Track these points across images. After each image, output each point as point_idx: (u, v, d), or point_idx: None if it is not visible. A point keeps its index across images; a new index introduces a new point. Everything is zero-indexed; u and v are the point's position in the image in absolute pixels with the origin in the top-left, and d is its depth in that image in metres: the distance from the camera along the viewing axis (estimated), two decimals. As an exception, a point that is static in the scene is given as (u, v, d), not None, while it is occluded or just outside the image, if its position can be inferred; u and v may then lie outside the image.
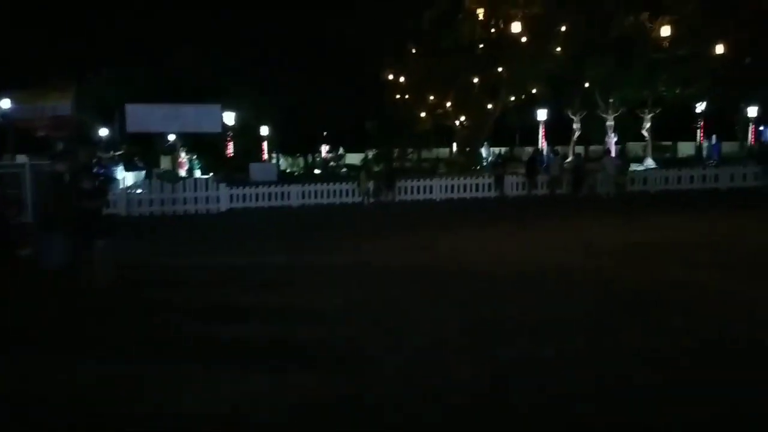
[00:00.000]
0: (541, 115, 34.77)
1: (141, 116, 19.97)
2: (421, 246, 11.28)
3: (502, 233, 12.68)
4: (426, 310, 6.91)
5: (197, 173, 35.61)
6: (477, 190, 20.60)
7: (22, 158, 20.44)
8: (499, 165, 20.02)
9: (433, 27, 31.84)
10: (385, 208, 18.53)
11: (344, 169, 47.91)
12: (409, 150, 46.71)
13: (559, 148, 35.53)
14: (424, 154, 47.44)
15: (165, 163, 43.23)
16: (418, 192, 20.57)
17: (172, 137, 43.26)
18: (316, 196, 20.31)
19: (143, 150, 32.54)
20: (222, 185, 19.99)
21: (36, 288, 8.34)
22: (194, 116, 20.03)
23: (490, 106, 36.82)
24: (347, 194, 20.40)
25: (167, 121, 19.79)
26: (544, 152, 35.87)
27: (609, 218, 14.67)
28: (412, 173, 26.47)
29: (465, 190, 20.58)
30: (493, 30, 32.49)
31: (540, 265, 9.06)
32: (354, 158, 55.41)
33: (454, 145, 44.91)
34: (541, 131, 34.84)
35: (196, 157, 33.87)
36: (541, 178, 20.56)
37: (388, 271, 9.10)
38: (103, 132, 31.31)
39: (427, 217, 16.35)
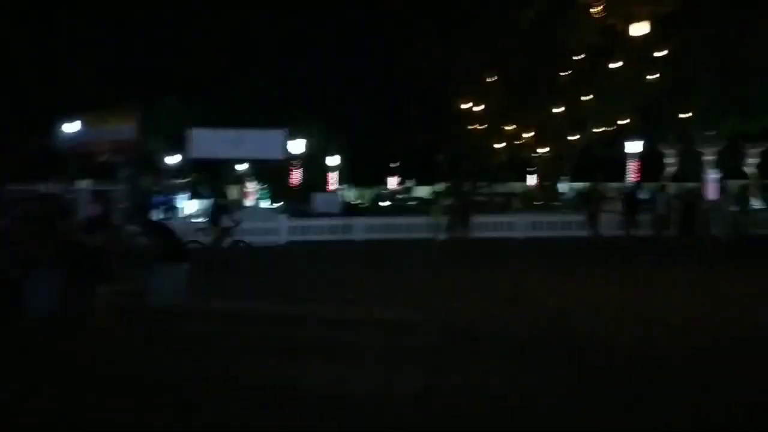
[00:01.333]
0: (632, 147, 31.70)
1: (205, 141, 18.86)
2: (514, 299, 8.98)
3: (615, 284, 10.17)
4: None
5: (264, 204, 34.84)
6: (565, 228, 18.03)
7: (83, 183, 19.73)
8: (594, 201, 17.41)
9: (532, 27, 29.27)
10: (460, 245, 16.30)
11: (413, 202, 46.18)
12: (482, 183, 44.35)
13: (662, 185, 32.21)
14: (497, 188, 44.88)
15: (233, 192, 42.97)
16: (497, 229, 18.24)
17: (242, 167, 43.18)
18: (382, 231, 18.41)
19: (210, 178, 31.95)
20: (282, 216, 18.53)
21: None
22: (257, 142, 18.71)
23: (573, 137, 34.08)
24: (417, 229, 18.38)
25: (230, 146, 18.55)
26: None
27: (740, 267, 11.86)
28: (485, 208, 24.23)
29: (551, 228, 18.07)
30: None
31: (700, 336, 6.64)
32: (423, 191, 53.63)
33: (530, 178, 42.17)
34: (632, 165, 31.68)
35: (264, 187, 33.05)
36: (642, 217, 17.73)
37: (475, 336, 6.90)
38: (172, 159, 31.00)
39: (512, 260, 14.00)
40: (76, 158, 21.35)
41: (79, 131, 21.25)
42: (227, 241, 14.43)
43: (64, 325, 6.40)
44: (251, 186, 41.48)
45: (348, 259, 14.78)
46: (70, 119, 21.37)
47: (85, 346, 6.16)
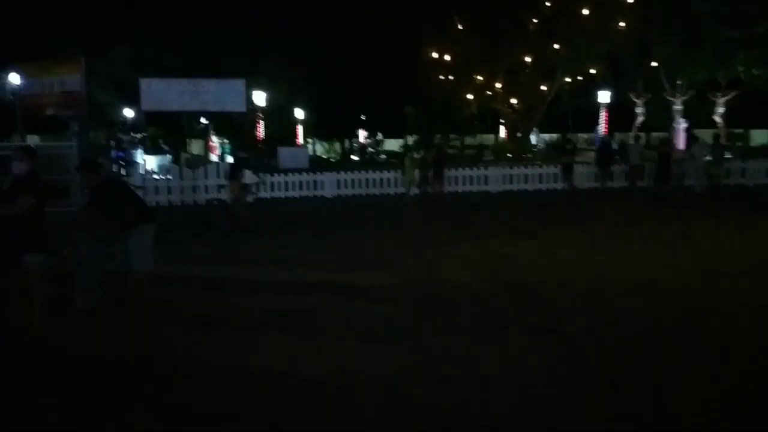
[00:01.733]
0: (603, 97, 31.27)
1: (157, 93, 17.65)
2: (489, 259, 8.51)
3: (594, 241, 9.79)
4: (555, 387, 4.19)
5: (229, 159, 33.52)
6: (541, 181, 17.66)
7: (33, 139, 18.40)
8: (569, 152, 16.97)
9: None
10: (434, 201, 15.79)
11: (383, 156, 45.28)
12: (452, 136, 43.71)
13: (635, 134, 32.22)
14: (468, 140, 44.33)
15: (196, 147, 41.33)
16: (471, 183, 17.76)
17: (204, 121, 41.39)
18: (353, 186, 17.73)
19: (171, 133, 30.45)
20: (247, 173, 17.53)
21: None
22: (216, 93, 17.61)
23: (543, 87, 33.55)
24: (389, 184, 17.77)
25: (186, 97, 17.42)
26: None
27: (718, 219, 11.67)
28: (457, 161, 23.69)
29: (526, 181, 17.68)
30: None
31: (701, 296, 6.27)
32: (393, 144, 52.65)
33: (501, 130, 41.70)
34: (603, 115, 31.37)
35: (228, 142, 31.73)
36: (616, 168, 17.47)
37: (459, 301, 6.41)
38: (128, 113, 29.32)
39: (489, 214, 13.55)
40: (22, 111, 19.88)
41: (23, 82, 19.74)
42: (248, 198, 13.14)
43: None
44: (216, 140, 39.94)
45: (316, 216, 14.09)
46: (11, 69, 19.80)
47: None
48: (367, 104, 43.77)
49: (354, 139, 47.16)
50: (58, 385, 4.47)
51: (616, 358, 4.71)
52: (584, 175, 17.56)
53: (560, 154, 17.57)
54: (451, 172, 17.63)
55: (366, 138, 53.93)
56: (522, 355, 4.78)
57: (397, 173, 17.74)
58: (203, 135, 41.97)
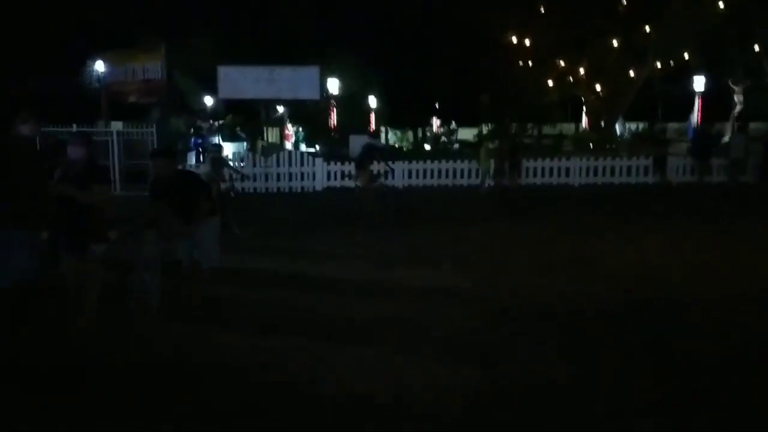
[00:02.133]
0: (698, 84, 28.91)
1: (234, 80, 17.72)
2: (573, 262, 7.71)
3: (695, 244, 8.74)
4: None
5: (303, 147, 33.78)
6: (629, 173, 16.34)
7: (117, 125, 19.05)
8: (662, 143, 15.60)
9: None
10: (509, 193, 14.92)
11: (457, 145, 44.26)
12: (529, 125, 42.04)
13: (739, 125, 29.73)
14: (546, 130, 42.52)
15: (272, 135, 42.00)
16: (550, 174, 16.70)
17: (281, 109, 41.97)
18: (424, 176, 17.13)
19: (248, 121, 30.91)
20: (318, 160, 17.38)
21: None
22: (290, 80, 17.46)
23: (631, 73, 31.36)
24: (462, 174, 17.02)
25: (261, 85, 17.38)
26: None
27: None
28: (535, 152, 22.52)
29: (612, 174, 16.41)
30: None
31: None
32: (467, 134, 51.43)
33: (584, 119, 39.60)
34: (698, 104, 29.01)
35: (302, 129, 31.87)
36: (716, 162, 15.88)
37: (531, 311, 5.73)
38: (208, 101, 30.01)
39: (567, 211, 12.59)
40: (107, 98, 20.60)
41: (107, 70, 20.44)
42: (377, 188, 12.58)
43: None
44: (291, 128, 40.43)
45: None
46: (96, 57, 20.52)
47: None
48: (441, 93, 42.84)
49: (427, 128, 46.35)
50: (100, 382, 4.22)
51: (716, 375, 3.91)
52: (679, 168, 16.08)
53: (652, 144, 16.21)
54: (528, 163, 16.66)
55: (439, 127, 53.05)
56: (615, 378, 4.08)
57: (471, 163, 16.97)
58: (279, 123, 42.69)
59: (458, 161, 17.07)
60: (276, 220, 12.10)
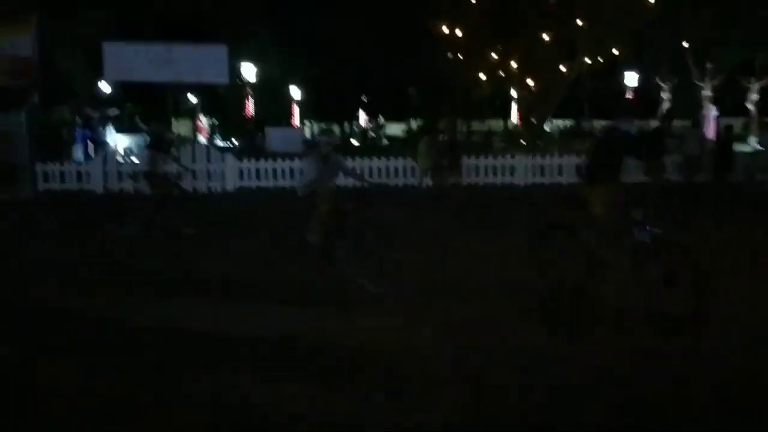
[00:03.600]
0: (630, 79, 28.48)
1: (123, 59, 14.74)
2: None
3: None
4: None
5: (218, 141, 30.69)
6: (573, 173, 14.85)
7: None
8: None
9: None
10: (451, 195, 13.04)
11: (385, 141, 42.42)
12: (458, 120, 40.81)
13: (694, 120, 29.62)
14: (474, 126, 41.44)
15: (183, 127, 38.33)
16: (494, 174, 14.97)
17: (193, 99, 38.35)
18: (354, 175, 14.93)
19: (150, 111, 27.47)
20: (229, 156, 14.85)
21: None
22: (193, 60, 14.72)
23: (562, 68, 30.56)
24: (397, 173, 14.98)
25: (157, 66, 14.54)
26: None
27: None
28: (466, 148, 20.89)
29: (561, 173, 14.87)
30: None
31: None
32: (394, 129, 49.72)
33: (513, 115, 38.78)
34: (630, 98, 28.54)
35: (214, 121, 28.85)
36: (667, 159, 14.69)
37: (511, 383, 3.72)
38: (104, 87, 26.31)
39: (519, 215, 10.81)
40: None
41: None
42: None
43: None
44: (204, 120, 37.01)
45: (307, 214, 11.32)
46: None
47: None
48: (368, 85, 40.74)
49: (354, 122, 44.22)
50: None
51: None
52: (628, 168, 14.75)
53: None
54: (470, 161, 14.86)
55: (368, 122, 51.03)
56: None
57: (406, 161, 14.95)
58: (191, 114, 39.04)
59: (392, 158, 15.00)
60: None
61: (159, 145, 9.93)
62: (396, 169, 14.97)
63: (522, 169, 14.84)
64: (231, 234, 9.55)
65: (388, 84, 41.06)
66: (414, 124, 50.82)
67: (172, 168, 10.42)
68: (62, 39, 19.32)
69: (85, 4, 20.55)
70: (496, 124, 42.44)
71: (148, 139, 23.46)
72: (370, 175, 14.94)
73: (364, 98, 44.70)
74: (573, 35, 28.85)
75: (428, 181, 14.18)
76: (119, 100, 25.71)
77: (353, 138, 41.88)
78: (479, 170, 14.95)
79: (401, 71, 37.74)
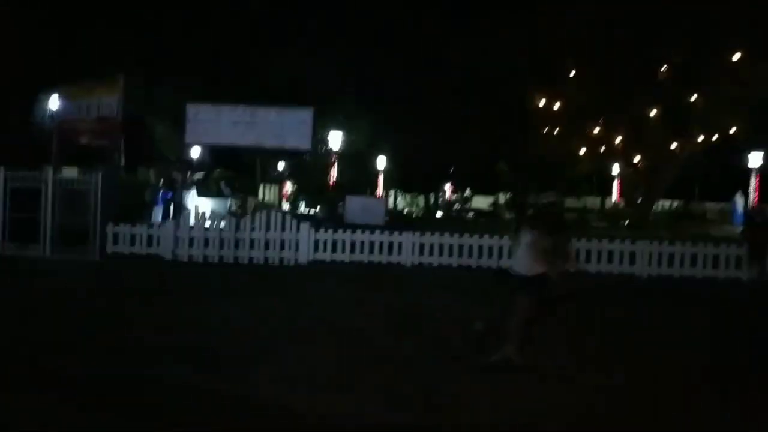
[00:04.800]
0: (754, 160, 25.31)
1: (206, 122, 14.15)
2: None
3: None
4: None
5: (302, 208, 30.11)
6: (715, 265, 12.20)
7: (71, 171, 15.38)
8: (760, 226, 11.66)
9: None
10: (559, 287, 10.87)
11: (471, 213, 40.62)
12: (551, 197, 38.30)
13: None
14: (567, 202, 38.75)
15: (270, 193, 38.45)
16: (608, 260, 12.62)
17: (281, 165, 38.61)
18: (440, 253, 13.15)
19: (239, 176, 27.35)
20: (304, 225, 13.54)
21: None
22: (276, 124, 13.87)
23: (673, 145, 27.85)
24: (490, 253, 13.02)
25: (239, 129, 13.79)
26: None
27: None
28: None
29: (694, 264, 12.27)
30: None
31: None
32: (481, 202, 47.91)
33: (614, 193, 35.96)
34: (754, 181, 25.31)
35: (294, 187, 28.27)
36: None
37: None
38: (195, 152, 26.55)
39: (653, 319, 8.50)
40: (58, 139, 17.11)
41: (61, 105, 17.06)
42: None
43: None
44: (290, 187, 36.95)
45: (386, 299, 9.61)
46: (51, 91, 17.19)
47: None
48: (457, 157, 39.36)
49: (440, 194, 42.81)
50: None
51: None
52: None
53: (747, 226, 12.26)
54: (580, 244, 12.67)
55: (452, 193, 49.58)
56: None
57: (503, 240, 12.98)
58: (278, 180, 39.20)
59: (485, 236, 13.08)
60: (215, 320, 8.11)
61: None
62: (490, 248, 13.00)
63: (643, 256, 12.40)
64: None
65: (477, 157, 39.62)
66: (502, 197, 48.75)
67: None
68: (153, 104, 19.54)
69: (178, 71, 20.82)
70: (593, 202, 39.62)
71: (229, 202, 23.21)
72: (461, 254, 13.09)
73: (450, 170, 43.40)
74: (686, 109, 26.35)
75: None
76: (208, 165, 25.72)
77: (438, 209, 40.47)
78: (588, 256, 12.68)
79: (493, 143, 36.23)
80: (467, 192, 50.01)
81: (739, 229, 26.68)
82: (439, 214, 39.67)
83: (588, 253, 12.53)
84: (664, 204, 33.57)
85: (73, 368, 5.65)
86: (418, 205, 45.44)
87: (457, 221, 30.20)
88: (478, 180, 45.50)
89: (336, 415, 4.75)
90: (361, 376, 5.66)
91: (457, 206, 41.62)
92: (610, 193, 39.42)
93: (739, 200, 31.47)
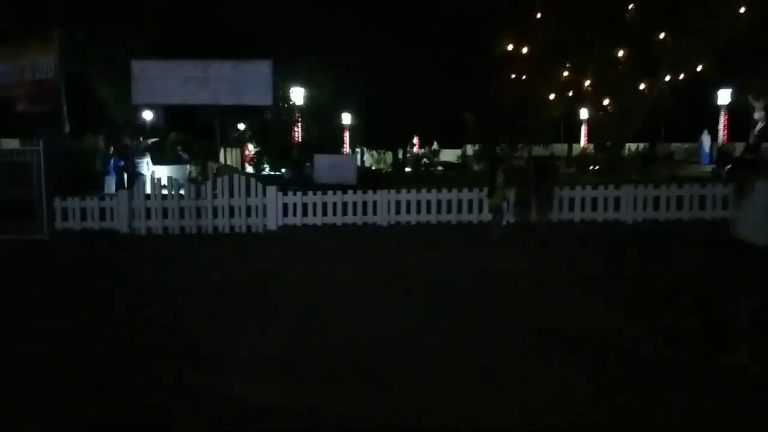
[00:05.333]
0: (723, 97, 25.09)
1: (153, 79, 12.86)
2: None
3: None
4: None
5: (267, 171, 28.86)
6: (702, 206, 11.82)
7: (13, 144, 14.07)
8: (747, 163, 11.27)
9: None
10: (542, 236, 10.35)
11: (440, 168, 40.00)
12: (519, 145, 37.97)
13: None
14: (536, 150, 38.46)
15: (231, 157, 36.95)
16: (593, 208, 12.13)
17: (241, 126, 36.95)
18: (418, 211, 12.44)
19: (197, 139, 25.90)
20: (270, 189, 12.60)
21: None
22: (232, 80, 12.69)
23: (642, 86, 27.42)
24: (462, 208, 12.37)
25: (192, 86, 12.57)
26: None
27: None
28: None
29: (680, 207, 11.87)
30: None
31: None
32: (449, 155, 47.26)
33: (582, 140, 35.69)
34: (723, 119, 25.16)
35: (261, 150, 27.02)
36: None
37: None
38: (147, 115, 24.92)
39: (649, 267, 8.02)
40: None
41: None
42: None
43: None
44: (252, 149, 35.49)
45: (366, 267, 8.92)
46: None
47: None
48: (425, 109, 38.35)
49: (408, 149, 41.95)
50: None
51: None
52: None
53: (733, 166, 11.85)
54: (562, 192, 12.12)
55: (420, 148, 48.76)
56: None
57: (468, 192, 12.32)
58: (240, 143, 37.64)
59: (465, 190, 12.39)
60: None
61: None
62: (463, 204, 12.35)
63: (629, 202, 11.94)
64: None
65: (444, 108, 38.66)
66: (470, 149, 48.11)
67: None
68: (97, 62, 17.83)
69: (122, 23, 18.96)
70: (560, 149, 39.38)
71: (187, 168, 21.90)
72: (439, 210, 12.42)
73: (418, 124, 42.41)
74: (655, 49, 25.82)
75: (507, 218, 11.56)
76: (162, 128, 24.19)
77: (406, 165, 39.71)
78: (571, 203, 12.16)
79: (460, 93, 35.26)
80: (434, 146, 49.14)
81: (708, 168, 26.91)
82: (407, 169, 38.89)
83: (577, 200, 12.02)
84: (630, 147, 33.49)
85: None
86: (385, 162, 44.51)
87: (426, 176, 29.53)
88: (445, 133, 44.71)
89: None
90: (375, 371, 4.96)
91: (425, 161, 40.88)
92: (576, 140, 39.24)
93: (705, 139, 31.57)
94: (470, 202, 12.35)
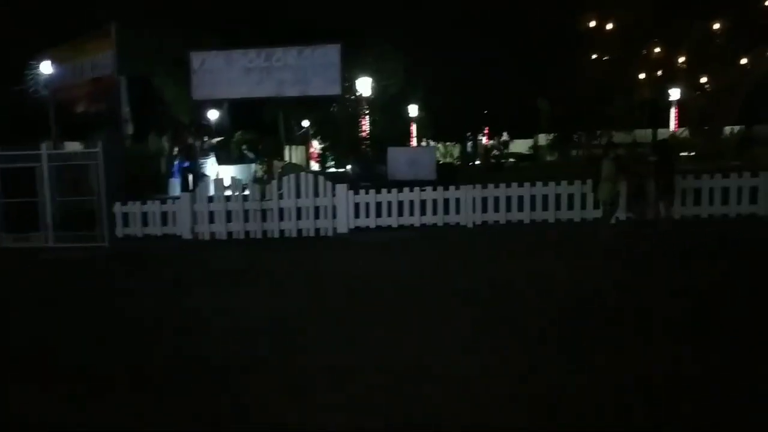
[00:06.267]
0: None
1: (214, 72, 11.85)
2: None
3: None
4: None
5: (333, 168, 27.90)
6: None
7: (74, 146, 13.48)
8: None
9: None
10: (664, 237, 8.57)
11: (511, 159, 38.02)
12: (597, 132, 35.39)
13: None
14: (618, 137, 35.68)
15: (296, 155, 36.33)
16: (725, 201, 10.17)
17: (306, 122, 36.20)
18: (508, 209, 10.87)
19: (261, 138, 25.17)
20: (340, 188, 11.35)
21: None
22: (297, 69, 11.52)
23: (744, 61, 24.47)
24: (561, 204, 10.69)
25: (253, 77, 11.49)
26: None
27: None
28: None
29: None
30: None
31: None
32: (520, 146, 45.03)
33: (671, 124, 32.68)
34: None
35: (321, 144, 25.95)
36: None
37: None
38: (212, 115, 24.37)
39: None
40: (56, 109, 15.10)
41: (54, 71, 14.96)
42: None
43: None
44: (317, 146, 34.67)
45: (463, 285, 7.47)
46: (41, 57, 15.05)
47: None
48: (496, 100, 36.33)
49: (479, 140, 40.10)
50: None
51: None
52: None
53: None
54: (685, 183, 10.23)
55: (489, 139, 46.81)
56: None
57: (584, 186, 10.61)
58: (304, 140, 36.94)
59: (563, 183, 10.70)
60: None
61: None
62: (566, 199, 10.66)
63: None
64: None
65: (516, 97, 36.53)
66: (543, 139, 45.56)
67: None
68: (161, 62, 17.15)
69: (182, 21, 18.18)
70: (642, 135, 36.47)
71: (253, 168, 21.11)
72: (534, 208, 10.79)
73: (485, 112, 40.38)
74: (761, 17, 22.86)
75: (617, 216, 9.81)
76: (228, 128, 23.55)
77: (475, 158, 37.93)
78: (701, 195, 10.24)
79: (531, 79, 33.11)
80: (504, 136, 47.03)
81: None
82: (476, 162, 37.10)
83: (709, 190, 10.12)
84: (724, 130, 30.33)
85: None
86: (452, 155, 42.79)
87: (497, 169, 27.72)
88: (516, 122, 42.53)
89: None
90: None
91: (495, 152, 38.97)
92: (663, 125, 36.22)
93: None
94: (570, 197, 10.65)
